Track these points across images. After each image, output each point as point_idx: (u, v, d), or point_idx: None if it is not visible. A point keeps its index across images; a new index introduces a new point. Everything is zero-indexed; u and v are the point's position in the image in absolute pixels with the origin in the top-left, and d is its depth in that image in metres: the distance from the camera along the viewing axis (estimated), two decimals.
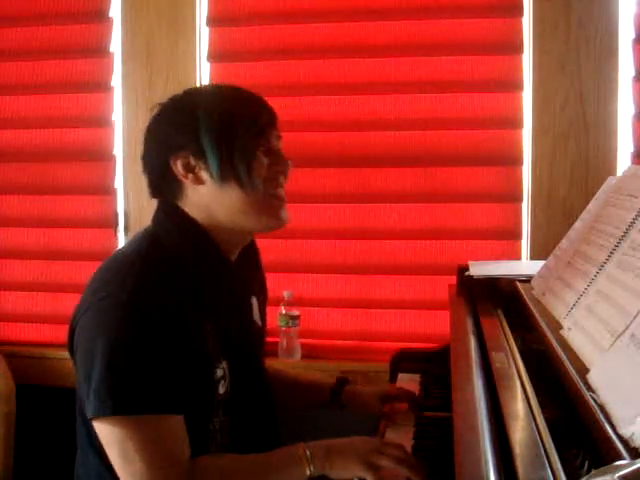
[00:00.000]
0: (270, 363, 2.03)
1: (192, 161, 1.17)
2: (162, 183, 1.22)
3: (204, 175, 1.17)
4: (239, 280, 1.26)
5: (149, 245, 1.19)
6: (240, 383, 1.21)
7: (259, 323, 1.34)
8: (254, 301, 1.32)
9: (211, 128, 1.16)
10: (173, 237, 1.19)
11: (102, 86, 2.16)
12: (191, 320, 1.13)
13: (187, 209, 1.20)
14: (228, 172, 1.16)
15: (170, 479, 1.07)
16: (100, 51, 2.15)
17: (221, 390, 1.18)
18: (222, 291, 1.20)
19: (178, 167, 1.17)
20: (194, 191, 1.19)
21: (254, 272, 1.35)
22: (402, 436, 1.29)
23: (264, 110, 1.22)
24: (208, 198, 1.18)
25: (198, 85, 1.26)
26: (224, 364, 1.19)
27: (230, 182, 1.17)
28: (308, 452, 1.10)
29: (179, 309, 1.11)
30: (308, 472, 1.09)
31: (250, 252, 1.32)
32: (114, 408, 1.05)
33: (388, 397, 1.42)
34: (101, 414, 1.06)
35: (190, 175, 1.17)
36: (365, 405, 1.43)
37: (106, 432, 1.08)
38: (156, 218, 1.23)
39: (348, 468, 1.09)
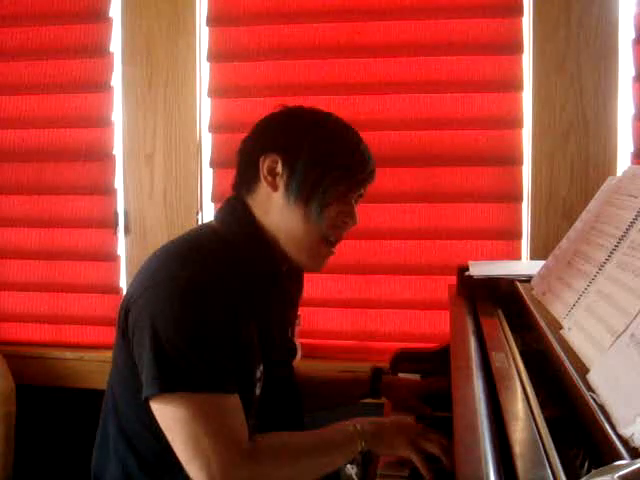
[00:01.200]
0: None
1: (279, 167, 1.20)
2: (242, 172, 1.25)
3: (281, 185, 1.20)
4: (285, 291, 1.30)
5: (211, 235, 1.22)
6: (271, 389, 1.23)
7: (292, 337, 1.38)
8: (291, 317, 1.37)
9: (314, 150, 1.19)
10: (234, 234, 1.22)
11: (102, 86, 2.15)
12: (241, 316, 1.14)
13: (250, 202, 1.23)
14: (302, 198, 1.19)
15: (237, 457, 1.07)
16: (100, 51, 2.14)
17: (257, 391, 1.20)
18: (269, 297, 1.23)
19: (264, 165, 1.20)
20: (264, 191, 1.21)
21: (297, 292, 1.39)
22: None
23: (366, 162, 1.25)
24: (272, 204, 1.21)
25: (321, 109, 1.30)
26: (261, 367, 1.20)
27: (299, 206, 1.20)
28: (359, 428, 1.14)
29: (232, 302, 1.13)
30: (360, 447, 1.13)
31: (299, 272, 1.38)
32: (180, 385, 1.06)
33: (426, 396, 1.45)
34: (166, 391, 1.06)
35: (269, 178, 1.20)
36: (402, 402, 1.47)
37: (169, 410, 1.07)
38: (221, 212, 1.27)
39: (395, 446, 1.14)
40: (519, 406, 0.90)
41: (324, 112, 1.28)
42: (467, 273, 1.58)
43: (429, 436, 1.14)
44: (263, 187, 1.22)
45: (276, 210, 1.21)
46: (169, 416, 1.08)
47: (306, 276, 2.12)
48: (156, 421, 1.10)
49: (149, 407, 1.10)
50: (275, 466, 1.12)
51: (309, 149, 1.19)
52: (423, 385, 1.51)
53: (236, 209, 1.24)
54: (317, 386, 1.50)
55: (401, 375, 1.63)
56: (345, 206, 1.23)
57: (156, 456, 1.16)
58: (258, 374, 1.19)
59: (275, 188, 1.20)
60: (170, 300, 1.09)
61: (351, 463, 1.19)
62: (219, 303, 1.11)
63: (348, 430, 1.15)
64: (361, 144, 1.26)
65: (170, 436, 1.09)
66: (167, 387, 1.06)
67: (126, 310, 1.15)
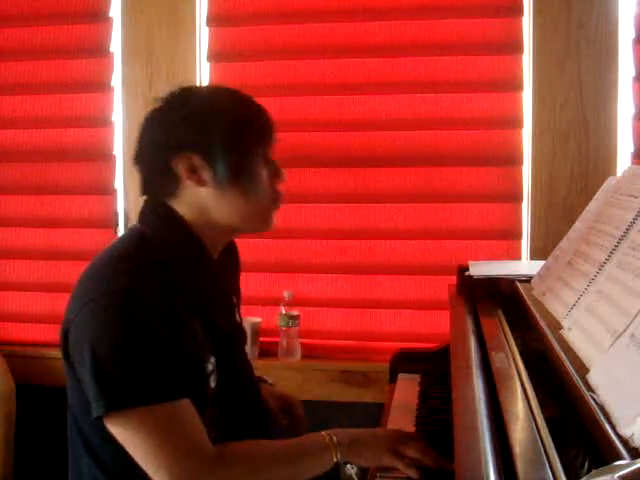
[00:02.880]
0: (270, 363, 2.05)
1: (197, 162, 1.17)
2: (156, 180, 1.22)
3: (207, 177, 1.17)
4: (222, 279, 1.27)
5: (137, 243, 1.19)
6: (227, 378, 1.22)
7: (239, 319, 1.35)
8: (234, 299, 1.33)
9: (223, 132, 1.17)
10: (161, 235, 1.19)
11: (102, 86, 2.16)
12: (182, 315, 1.13)
13: (176, 207, 1.20)
14: (234, 179, 1.17)
15: (198, 465, 1.06)
16: (100, 51, 2.15)
17: (212, 384, 1.19)
18: (207, 289, 1.21)
19: (181, 167, 1.17)
20: (192, 191, 1.18)
21: (234, 271, 1.36)
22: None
23: (269, 119, 1.23)
24: (206, 199, 1.18)
25: (196, 84, 1.26)
26: (212, 359, 1.19)
27: (234, 188, 1.18)
28: (334, 439, 1.12)
29: (170, 304, 1.11)
30: (335, 459, 1.11)
31: (230, 251, 1.34)
32: (127, 401, 1.05)
33: (287, 409, 1.43)
34: (114, 409, 1.05)
35: (193, 176, 1.17)
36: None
37: (122, 427, 1.07)
38: (144, 216, 1.23)
39: (375, 456, 1.12)
40: (519, 406, 0.90)
41: (208, 90, 1.26)
42: (467, 273, 1.58)
43: (406, 441, 1.12)
44: (187, 188, 1.18)
45: (211, 203, 1.18)
46: (123, 433, 1.07)
47: (307, 276, 2.14)
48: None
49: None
50: (244, 473, 1.10)
51: (219, 133, 1.17)
52: (283, 398, 1.47)
53: (156, 210, 1.21)
54: None
55: (401, 375, 1.63)
56: (270, 166, 1.22)
57: (124, 469, 1.13)
58: (210, 367, 1.18)
59: (203, 183, 1.17)
60: (106, 317, 1.08)
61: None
62: (156, 310, 1.09)
63: (323, 441, 1.12)
64: (257, 107, 1.23)
65: (130, 451, 1.08)
66: (113, 406, 1.05)
67: (65, 331, 1.14)
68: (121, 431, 1.07)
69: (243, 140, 1.18)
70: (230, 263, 1.34)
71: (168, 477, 1.05)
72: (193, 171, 1.17)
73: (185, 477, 1.05)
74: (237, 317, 1.34)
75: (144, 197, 1.25)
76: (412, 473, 1.08)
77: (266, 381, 1.48)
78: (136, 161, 1.25)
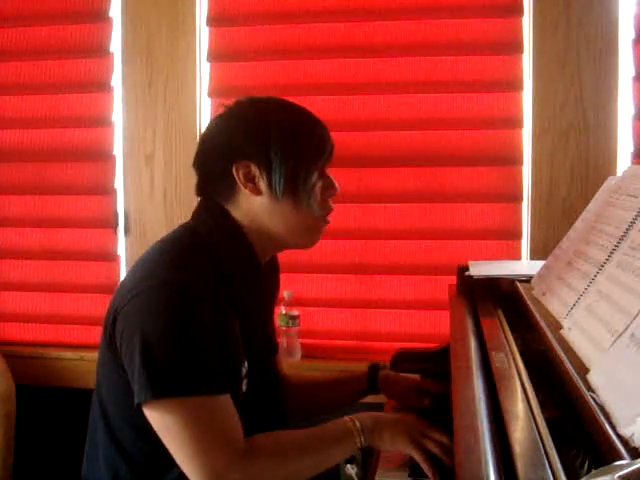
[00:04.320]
0: None
1: (254, 171, 1.21)
2: (214, 184, 1.25)
3: (263, 187, 1.21)
4: (265, 285, 1.31)
5: (190, 238, 1.23)
6: (255, 384, 1.24)
7: (271, 330, 1.39)
8: (270, 308, 1.38)
9: (282, 144, 1.20)
10: (213, 235, 1.23)
11: (102, 86, 2.16)
12: (229, 314, 1.16)
13: (231, 211, 1.24)
14: (289, 190, 1.21)
15: (227, 458, 1.08)
16: (100, 51, 2.15)
17: (244, 388, 1.21)
18: (251, 293, 1.24)
19: (239, 175, 1.20)
20: (247, 199, 1.22)
21: (274, 279, 1.40)
22: None
23: (327, 134, 1.27)
24: (260, 208, 1.22)
25: (263, 97, 1.30)
26: (246, 363, 1.22)
27: (288, 199, 1.22)
28: (358, 424, 1.14)
29: (219, 301, 1.15)
30: (359, 443, 1.13)
31: (274, 266, 1.39)
32: (172, 390, 1.07)
33: (425, 391, 1.45)
34: (159, 396, 1.08)
35: (250, 184, 1.21)
36: (402, 397, 1.47)
37: (162, 416, 1.09)
38: (198, 215, 1.27)
39: (395, 442, 1.14)
40: (519, 406, 0.90)
41: (271, 102, 1.28)
42: (467, 273, 1.58)
43: (431, 434, 1.14)
44: (243, 195, 1.22)
45: (265, 213, 1.23)
46: (163, 421, 1.09)
47: (307, 276, 2.13)
48: (147, 424, 1.11)
49: (141, 411, 1.10)
50: (272, 464, 1.12)
51: (277, 144, 1.20)
52: (419, 382, 1.52)
53: (213, 210, 1.24)
54: (318, 388, 1.51)
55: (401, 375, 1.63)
56: (325, 179, 1.27)
57: (146, 458, 1.16)
58: (244, 371, 1.21)
59: (258, 192, 1.21)
60: (157, 307, 1.10)
61: (351, 462, 1.18)
62: (206, 306, 1.12)
63: (346, 426, 1.15)
64: (316, 121, 1.27)
65: (165, 440, 1.10)
66: (159, 393, 1.07)
67: (114, 317, 1.16)
68: (160, 418, 1.09)
69: (300, 154, 1.22)
70: (272, 277, 1.37)
71: (199, 467, 1.07)
72: (250, 179, 1.21)
73: (215, 469, 1.07)
74: (270, 329, 1.38)
75: (199, 197, 1.29)
76: (426, 468, 1.10)
77: (380, 367, 1.51)
78: (196, 164, 1.28)
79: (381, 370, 1.50)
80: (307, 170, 1.22)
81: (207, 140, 1.27)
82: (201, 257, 1.19)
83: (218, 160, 1.24)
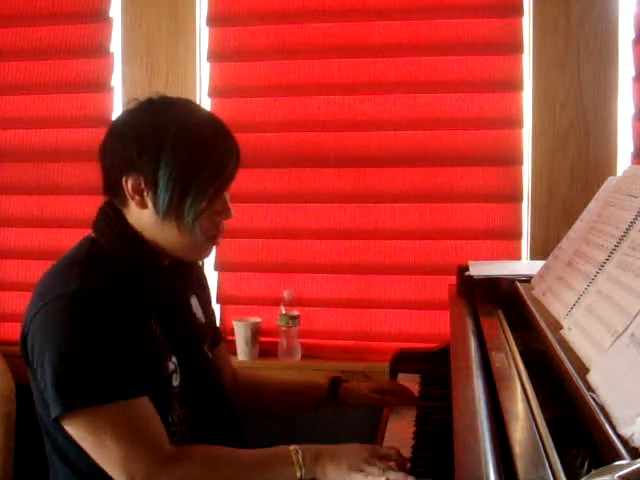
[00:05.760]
0: (270, 363, 2.05)
1: (142, 185, 1.18)
2: (110, 188, 1.25)
3: (149, 203, 1.19)
4: (176, 281, 1.29)
5: (88, 248, 1.23)
6: (190, 376, 1.24)
7: (202, 319, 1.37)
8: (194, 299, 1.36)
9: (173, 165, 1.17)
10: (110, 240, 1.22)
11: (102, 86, 2.16)
12: (136, 316, 1.16)
13: (127, 216, 1.23)
14: (172, 212, 1.18)
15: (152, 463, 1.07)
16: (100, 51, 2.15)
17: (175, 383, 1.21)
18: (160, 291, 1.24)
19: (128, 185, 1.19)
20: (135, 209, 1.21)
21: (191, 273, 1.37)
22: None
23: (232, 159, 1.22)
24: (148, 220, 1.21)
25: (172, 99, 1.26)
26: (174, 358, 1.22)
27: (171, 221, 1.19)
28: (300, 454, 1.11)
29: (122, 305, 1.15)
30: (299, 474, 1.10)
31: None
32: (81, 401, 1.07)
33: (385, 391, 1.45)
34: (69, 410, 1.07)
35: (137, 197, 1.19)
36: (362, 399, 1.45)
37: (78, 427, 1.09)
38: (96, 224, 1.26)
39: (339, 472, 1.10)
40: (519, 406, 0.90)
41: (176, 108, 1.23)
42: (467, 273, 1.58)
43: (374, 458, 1.09)
44: (133, 205, 1.21)
45: (151, 226, 1.21)
46: (80, 433, 1.09)
47: (307, 276, 2.13)
48: None
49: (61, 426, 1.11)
50: (199, 474, 1.11)
51: (167, 164, 1.16)
52: (380, 384, 1.51)
53: (109, 217, 1.24)
54: (269, 390, 1.49)
55: (401, 375, 1.63)
56: (219, 204, 1.22)
57: (91, 468, 1.14)
58: (171, 366, 1.20)
59: (144, 206, 1.19)
60: (57, 319, 1.11)
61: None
62: (107, 311, 1.12)
63: (289, 456, 1.11)
64: (221, 136, 1.21)
65: (88, 451, 1.10)
66: (69, 406, 1.07)
67: (24, 336, 1.18)
68: (77, 431, 1.10)
69: (191, 178, 1.17)
70: (186, 265, 1.33)
71: (124, 475, 1.07)
72: (138, 192, 1.19)
73: (139, 475, 1.06)
74: (200, 315, 1.36)
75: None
76: None
77: (343, 380, 1.49)
78: (101, 163, 1.27)
79: (343, 382, 1.47)
80: (195, 196, 1.17)
81: (108, 142, 1.25)
82: (99, 263, 1.19)
83: (112, 167, 1.23)
